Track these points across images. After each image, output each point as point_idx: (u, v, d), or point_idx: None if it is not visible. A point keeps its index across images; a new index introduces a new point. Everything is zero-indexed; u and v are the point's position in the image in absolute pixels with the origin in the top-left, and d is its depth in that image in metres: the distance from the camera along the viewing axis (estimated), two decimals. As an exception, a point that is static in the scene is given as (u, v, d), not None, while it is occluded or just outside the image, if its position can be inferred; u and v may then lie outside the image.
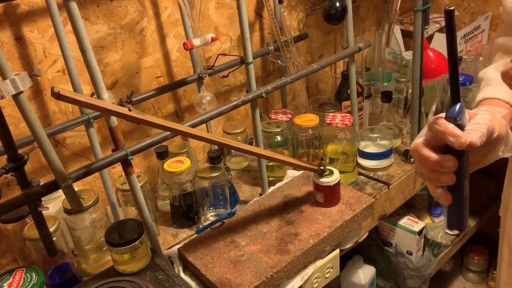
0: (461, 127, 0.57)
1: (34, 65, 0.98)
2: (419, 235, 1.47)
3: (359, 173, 1.23)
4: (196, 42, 1.01)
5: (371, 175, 1.22)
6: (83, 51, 0.74)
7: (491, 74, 0.81)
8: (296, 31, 1.43)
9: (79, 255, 0.96)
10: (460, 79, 1.40)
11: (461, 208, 0.61)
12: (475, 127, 0.58)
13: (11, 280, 0.80)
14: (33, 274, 0.82)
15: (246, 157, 1.31)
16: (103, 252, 0.96)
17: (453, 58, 0.56)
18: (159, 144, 0.89)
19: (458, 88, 0.57)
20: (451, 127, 0.56)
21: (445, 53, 1.38)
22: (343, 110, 1.36)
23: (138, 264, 0.87)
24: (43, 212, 0.73)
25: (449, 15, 0.54)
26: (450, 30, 0.55)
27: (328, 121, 1.13)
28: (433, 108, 1.39)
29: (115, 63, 1.09)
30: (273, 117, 1.24)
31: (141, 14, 1.10)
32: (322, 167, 0.98)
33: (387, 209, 1.22)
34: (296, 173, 1.14)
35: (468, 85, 1.41)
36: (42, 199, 0.71)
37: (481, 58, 1.55)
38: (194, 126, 0.88)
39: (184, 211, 1.08)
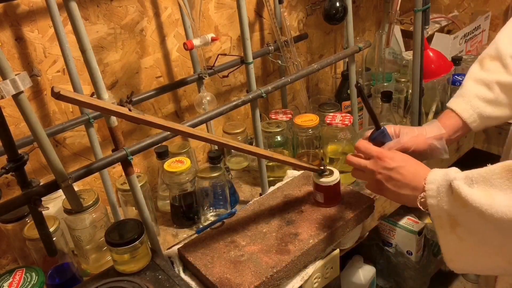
0: (381, 142, 0.84)
1: (34, 65, 0.98)
2: (419, 235, 1.47)
3: (359, 173, 1.23)
4: (196, 42, 1.01)
5: (371, 175, 1.22)
6: (83, 51, 0.74)
7: (467, 83, 0.90)
8: (296, 31, 1.43)
9: (79, 255, 0.96)
10: (460, 79, 1.41)
11: None
12: (386, 146, 0.83)
13: (11, 280, 0.80)
14: (33, 274, 0.82)
15: (246, 157, 1.31)
16: (103, 252, 0.96)
17: (368, 106, 0.87)
18: (159, 144, 0.89)
19: (376, 120, 0.85)
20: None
21: (445, 53, 1.38)
22: (343, 110, 1.36)
23: (138, 264, 0.87)
24: (43, 212, 0.73)
25: (357, 87, 0.88)
26: (362, 95, 0.87)
27: (328, 121, 1.13)
28: (433, 108, 1.39)
29: (115, 63, 1.09)
30: (273, 117, 1.24)
31: (141, 14, 1.10)
32: (322, 167, 0.98)
33: (387, 209, 1.22)
34: (296, 173, 1.14)
35: (468, 85, 1.41)
36: (42, 199, 0.71)
37: (481, 58, 1.55)
38: (194, 126, 0.88)
39: (184, 211, 1.08)
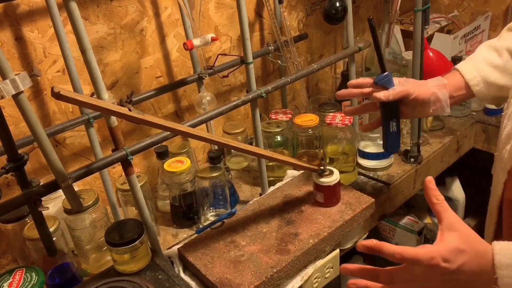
0: (385, 87, 0.85)
1: (34, 65, 0.98)
2: (419, 235, 1.47)
3: (359, 173, 1.23)
4: (196, 42, 1.01)
5: (371, 175, 1.22)
6: (83, 51, 0.74)
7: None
8: (296, 31, 1.43)
9: (79, 255, 0.96)
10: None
11: (385, 137, 0.92)
12: (390, 90, 0.85)
13: (11, 280, 0.80)
14: (33, 274, 0.82)
15: (246, 157, 1.31)
16: (103, 252, 0.96)
17: (377, 45, 0.92)
18: (159, 144, 0.89)
19: (383, 64, 0.88)
20: (376, 93, 0.86)
21: (445, 53, 1.37)
22: (343, 110, 1.36)
23: (138, 264, 0.87)
24: (43, 212, 0.73)
25: (370, 23, 0.91)
26: (373, 31, 0.91)
27: (328, 121, 1.13)
28: (433, 108, 1.39)
29: (115, 63, 1.09)
30: (273, 117, 1.24)
31: (141, 14, 1.10)
32: (322, 167, 0.98)
33: (387, 209, 1.22)
34: (296, 173, 1.14)
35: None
36: (42, 199, 0.71)
37: (481, 58, 1.55)
38: (194, 126, 0.88)
39: (184, 211, 1.08)
